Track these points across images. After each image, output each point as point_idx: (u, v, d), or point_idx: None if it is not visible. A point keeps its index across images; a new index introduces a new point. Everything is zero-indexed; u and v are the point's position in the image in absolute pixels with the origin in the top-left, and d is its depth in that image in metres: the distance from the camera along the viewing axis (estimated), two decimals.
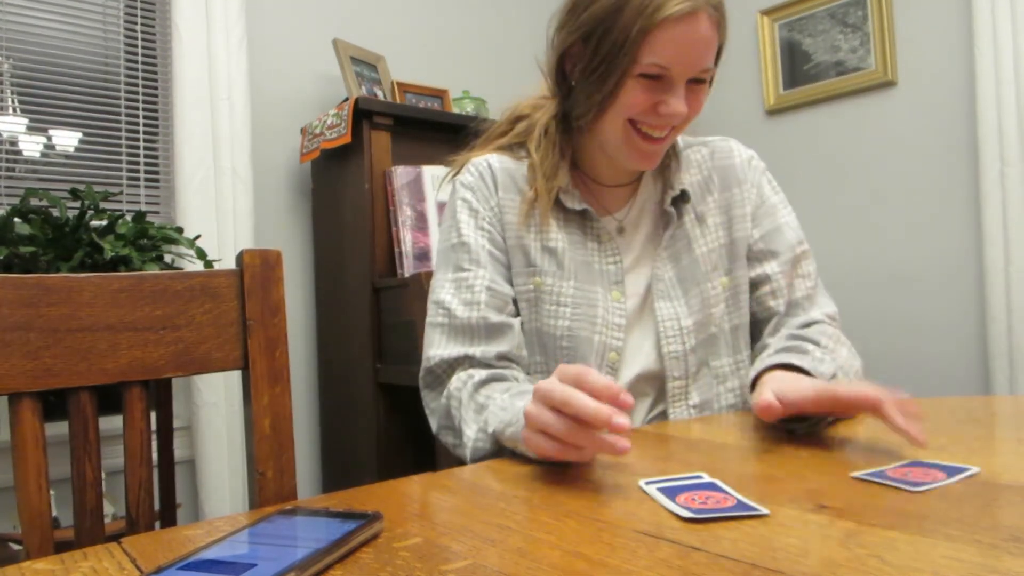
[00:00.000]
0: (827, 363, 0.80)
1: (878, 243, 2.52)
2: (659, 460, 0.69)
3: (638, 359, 0.93)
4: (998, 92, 2.18)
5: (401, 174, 2.12)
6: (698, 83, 0.86)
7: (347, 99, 2.18)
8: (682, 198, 0.98)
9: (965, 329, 2.32)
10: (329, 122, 2.21)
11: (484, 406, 0.82)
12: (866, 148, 2.55)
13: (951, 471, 0.58)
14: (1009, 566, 0.39)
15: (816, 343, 0.85)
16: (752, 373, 0.82)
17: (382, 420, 2.12)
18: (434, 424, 0.93)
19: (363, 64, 2.40)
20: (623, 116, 0.87)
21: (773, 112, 2.81)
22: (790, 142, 2.76)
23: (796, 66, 2.73)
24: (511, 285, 0.95)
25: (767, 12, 2.79)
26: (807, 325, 0.94)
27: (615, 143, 0.90)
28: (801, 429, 0.75)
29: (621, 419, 0.54)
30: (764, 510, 0.50)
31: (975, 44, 2.22)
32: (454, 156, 1.05)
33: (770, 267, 0.98)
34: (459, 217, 0.97)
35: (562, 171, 0.96)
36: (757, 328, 1.01)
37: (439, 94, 2.54)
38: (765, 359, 0.83)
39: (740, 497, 0.54)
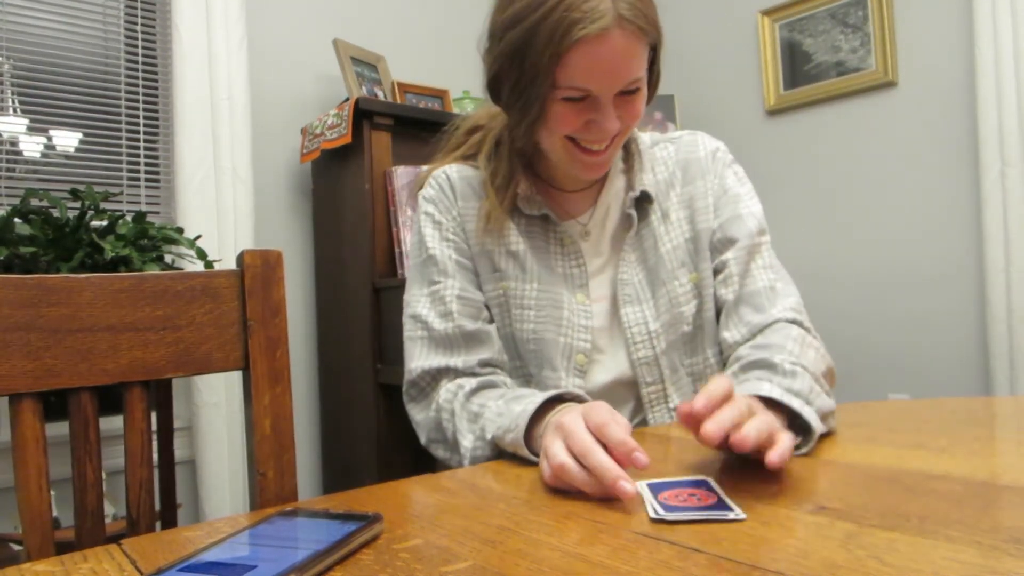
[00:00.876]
0: (799, 377, 0.74)
1: (878, 243, 2.52)
2: (658, 462, 0.69)
3: (613, 366, 0.92)
4: (998, 92, 2.18)
5: (401, 174, 2.12)
6: (629, 93, 0.83)
7: (347, 99, 2.18)
8: (644, 199, 0.96)
9: (965, 329, 2.32)
10: (329, 122, 2.21)
11: (479, 414, 0.82)
12: (866, 148, 2.55)
13: (718, 507, 0.52)
14: (1009, 567, 0.39)
15: (782, 348, 0.80)
16: None
17: (382, 420, 2.12)
18: (422, 437, 0.92)
19: (363, 64, 2.40)
20: (559, 134, 0.86)
21: (773, 112, 2.81)
22: (790, 142, 2.76)
23: (796, 66, 2.73)
24: (482, 291, 0.95)
25: (767, 12, 2.79)
26: (768, 325, 0.88)
27: (559, 158, 0.89)
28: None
29: (624, 484, 0.54)
30: (741, 514, 0.50)
31: (975, 44, 2.22)
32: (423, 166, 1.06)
33: (728, 254, 0.94)
34: (424, 232, 0.97)
35: (520, 180, 0.95)
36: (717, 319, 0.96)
37: (439, 94, 2.54)
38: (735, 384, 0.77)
39: (724, 497, 0.54)
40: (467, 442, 0.82)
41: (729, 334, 0.91)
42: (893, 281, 2.48)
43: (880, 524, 0.47)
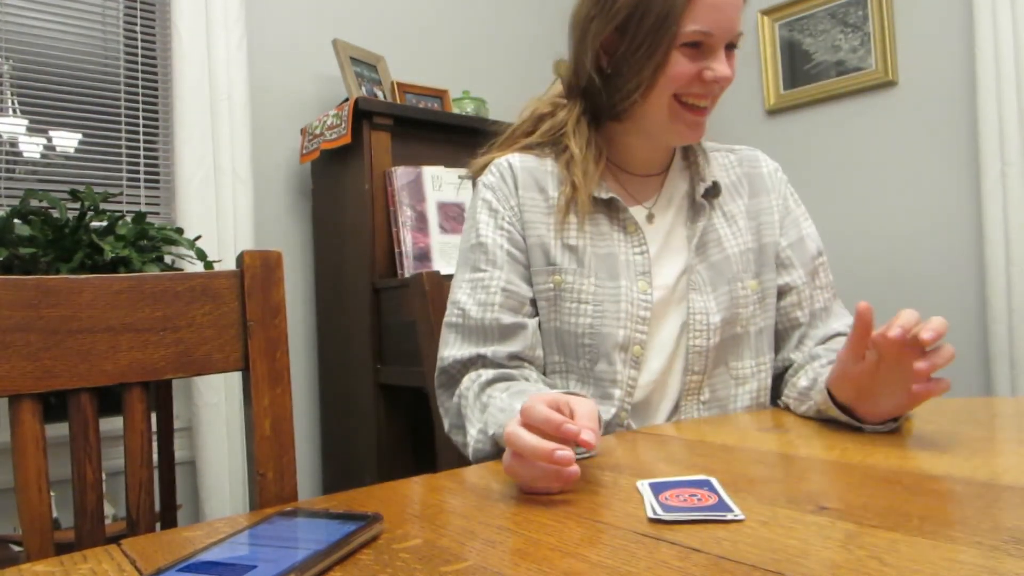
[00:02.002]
0: None
1: (878, 243, 2.52)
2: (660, 461, 0.69)
3: (670, 351, 0.93)
4: (998, 92, 2.18)
5: (401, 174, 2.12)
6: (731, 49, 0.90)
7: (347, 99, 2.18)
8: (713, 191, 0.99)
9: (966, 330, 2.32)
10: (329, 122, 2.21)
11: (486, 406, 0.83)
12: (866, 148, 2.55)
13: (717, 508, 0.52)
14: (1010, 567, 0.39)
15: None
16: (822, 395, 0.81)
17: (382, 421, 2.12)
18: (447, 423, 0.93)
19: (363, 64, 2.40)
20: (669, 91, 0.89)
21: (773, 112, 2.81)
22: (790, 142, 2.76)
23: (796, 66, 2.73)
24: (530, 285, 0.95)
25: (767, 12, 2.79)
26: (830, 338, 0.98)
27: (661, 121, 0.92)
28: (871, 428, 0.77)
29: (561, 453, 0.56)
30: (740, 514, 0.50)
31: (975, 44, 2.22)
32: (472, 158, 1.06)
33: (796, 276, 1.00)
34: (478, 217, 0.97)
35: (596, 165, 0.97)
36: (778, 338, 1.02)
37: (439, 94, 2.54)
38: (820, 383, 0.82)
39: (725, 498, 0.54)
40: (473, 431, 0.82)
41: (796, 353, 0.99)
42: (893, 281, 2.48)
43: (880, 524, 0.47)
